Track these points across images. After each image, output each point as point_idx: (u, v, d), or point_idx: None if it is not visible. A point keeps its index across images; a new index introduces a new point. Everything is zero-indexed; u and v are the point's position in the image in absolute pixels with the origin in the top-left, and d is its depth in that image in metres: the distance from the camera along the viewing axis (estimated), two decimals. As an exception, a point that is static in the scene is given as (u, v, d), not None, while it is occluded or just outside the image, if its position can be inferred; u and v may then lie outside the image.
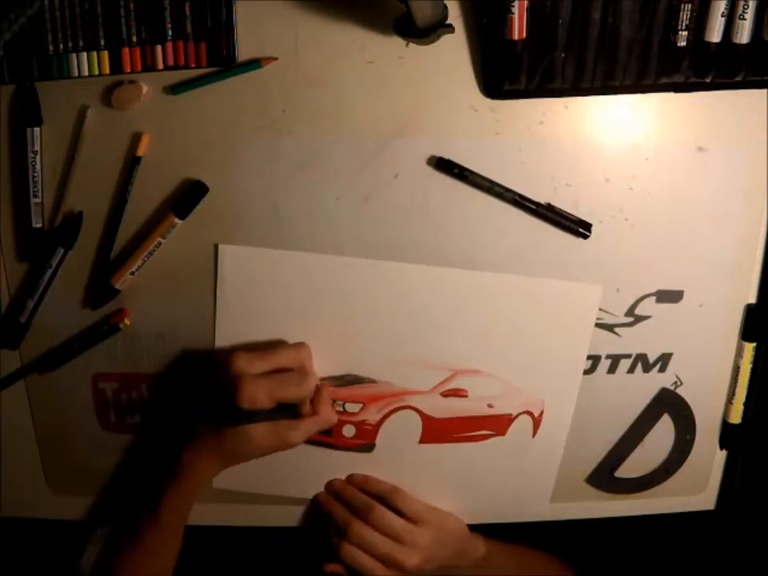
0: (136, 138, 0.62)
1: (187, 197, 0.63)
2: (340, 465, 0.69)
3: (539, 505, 0.71)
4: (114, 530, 0.68)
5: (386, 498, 0.67)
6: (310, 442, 0.67)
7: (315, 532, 0.70)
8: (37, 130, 0.61)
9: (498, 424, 0.68)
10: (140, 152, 0.62)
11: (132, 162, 0.62)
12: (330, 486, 0.70)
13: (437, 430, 0.68)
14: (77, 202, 0.64)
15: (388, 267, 0.64)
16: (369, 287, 0.65)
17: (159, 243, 0.63)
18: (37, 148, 0.62)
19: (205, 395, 0.66)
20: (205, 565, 0.72)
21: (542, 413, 0.68)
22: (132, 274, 0.64)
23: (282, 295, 0.65)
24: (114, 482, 0.71)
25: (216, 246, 0.64)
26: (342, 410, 0.67)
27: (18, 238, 0.65)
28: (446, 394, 0.67)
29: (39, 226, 0.64)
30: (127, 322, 0.66)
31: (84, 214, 0.64)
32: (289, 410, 0.64)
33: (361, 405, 0.67)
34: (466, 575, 0.69)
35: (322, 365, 0.66)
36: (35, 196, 0.63)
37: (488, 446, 0.69)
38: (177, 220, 0.62)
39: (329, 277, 0.65)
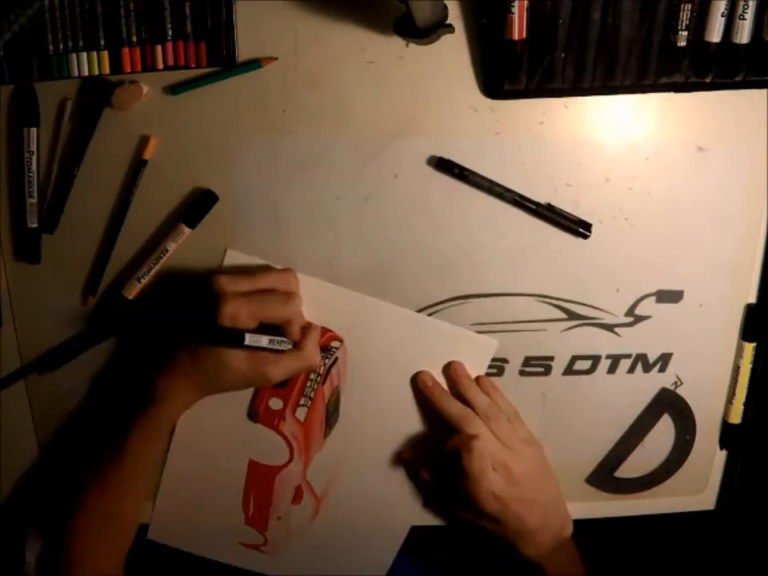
0: (136, 139, 0.62)
1: (197, 206, 0.63)
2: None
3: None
4: (80, 472, 0.64)
5: (509, 415, 0.66)
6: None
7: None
8: (34, 130, 0.61)
9: None
10: (147, 155, 0.62)
11: (133, 163, 0.62)
12: (447, 368, 0.66)
13: None
14: (77, 202, 0.64)
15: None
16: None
17: (166, 250, 0.63)
18: (33, 148, 0.62)
19: (184, 316, 0.63)
20: (206, 565, 0.73)
21: None
22: (139, 280, 0.64)
23: None
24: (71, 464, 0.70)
25: (225, 251, 0.64)
26: None
27: (14, 238, 0.65)
28: None
29: (35, 226, 0.64)
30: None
31: (86, 214, 0.64)
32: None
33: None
34: (539, 554, 0.66)
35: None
36: (30, 196, 0.63)
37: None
38: (186, 228, 0.62)
39: (317, 300, 0.64)
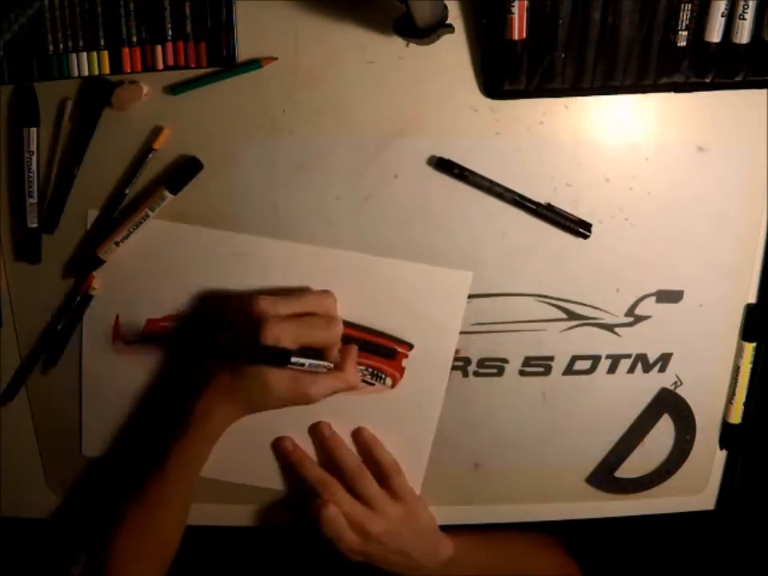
0: (136, 139, 0.62)
1: (181, 171, 0.62)
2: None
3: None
4: (118, 491, 0.65)
5: (385, 470, 0.67)
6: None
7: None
8: (34, 130, 0.61)
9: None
10: (157, 145, 0.61)
11: (133, 163, 0.62)
12: (318, 429, 0.67)
13: None
14: (77, 201, 0.64)
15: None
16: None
17: (147, 215, 0.62)
18: (33, 148, 0.61)
19: (221, 342, 0.63)
20: (205, 565, 0.73)
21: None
22: (116, 244, 0.63)
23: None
24: (113, 479, 0.71)
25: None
26: None
27: (14, 238, 0.65)
28: None
29: (35, 226, 0.64)
30: (95, 285, 0.65)
31: (85, 213, 0.64)
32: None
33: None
34: None
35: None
36: (30, 196, 0.63)
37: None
38: (168, 194, 0.62)
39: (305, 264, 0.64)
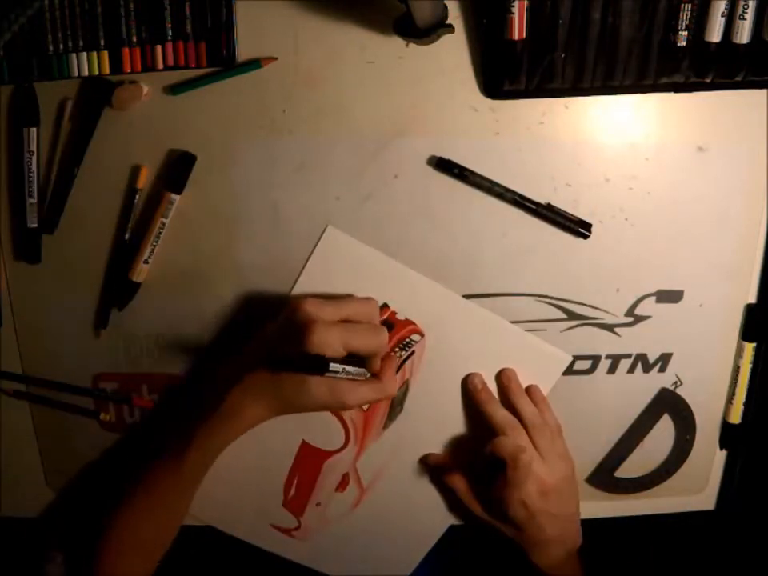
0: (136, 139, 0.62)
1: (177, 170, 0.62)
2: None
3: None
4: (123, 484, 0.64)
5: (552, 430, 0.67)
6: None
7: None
8: (34, 130, 0.61)
9: None
10: (140, 184, 0.62)
11: (134, 164, 0.62)
12: (508, 376, 0.67)
13: None
14: (77, 202, 0.64)
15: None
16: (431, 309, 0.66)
17: (163, 224, 0.63)
18: (33, 148, 0.62)
19: (264, 341, 0.62)
20: (202, 564, 0.73)
21: None
22: (146, 262, 0.64)
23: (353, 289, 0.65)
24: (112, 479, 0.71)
25: (325, 227, 0.64)
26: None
27: (14, 238, 0.65)
28: None
29: (35, 226, 0.64)
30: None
31: (86, 214, 0.64)
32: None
33: None
34: (549, 564, 0.66)
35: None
36: (30, 196, 0.63)
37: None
38: (174, 196, 0.62)
39: (406, 290, 0.65)
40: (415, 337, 0.66)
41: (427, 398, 0.67)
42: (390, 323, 0.65)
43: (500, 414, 0.66)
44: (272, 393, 0.60)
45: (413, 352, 0.66)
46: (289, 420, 0.63)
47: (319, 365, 0.56)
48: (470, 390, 0.66)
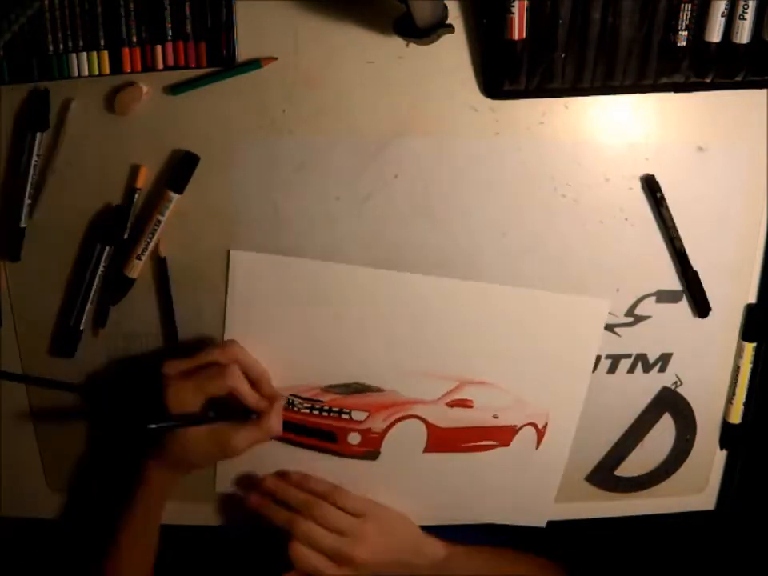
0: (135, 139, 0.62)
1: (180, 169, 0.62)
2: (344, 472, 0.68)
3: (540, 513, 0.71)
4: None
5: (327, 497, 0.66)
6: (315, 448, 0.67)
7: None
8: (41, 134, 0.61)
9: (503, 435, 0.68)
10: (139, 184, 0.63)
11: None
12: (261, 484, 0.67)
13: (442, 440, 0.68)
14: (77, 201, 0.64)
15: (397, 277, 0.64)
16: (378, 296, 0.65)
17: (159, 221, 0.63)
18: (40, 152, 0.61)
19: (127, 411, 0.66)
20: (195, 565, 0.73)
21: (546, 425, 0.68)
22: (139, 258, 0.64)
23: (289, 302, 0.65)
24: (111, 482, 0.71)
25: (228, 252, 0.64)
26: (348, 417, 0.67)
27: (8, 237, 0.65)
28: (452, 404, 0.67)
29: (26, 226, 0.64)
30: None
31: (86, 216, 0.64)
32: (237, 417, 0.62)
33: (367, 413, 0.67)
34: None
35: (330, 373, 0.66)
36: (29, 198, 0.63)
37: (492, 456, 0.69)
38: (173, 195, 0.62)
39: (337, 285, 0.64)
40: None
41: None
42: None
43: (281, 517, 0.65)
44: (165, 455, 0.63)
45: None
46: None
47: (140, 425, 0.59)
48: (255, 509, 0.67)
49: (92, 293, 0.65)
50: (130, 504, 0.64)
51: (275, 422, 0.63)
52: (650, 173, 0.63)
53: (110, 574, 0.64)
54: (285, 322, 0.65)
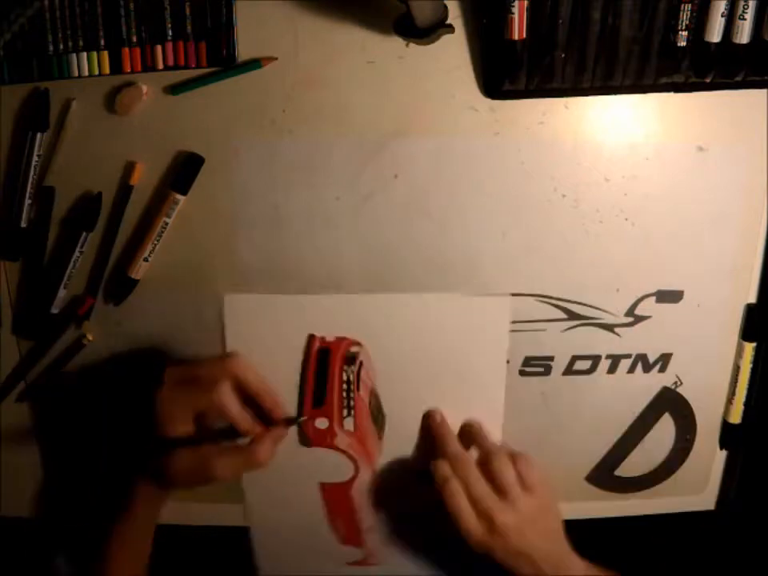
0: (135, 138, 0.62)
1: (185, 171, 0.62)
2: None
3: None
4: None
5: (510, 456, 0.62)
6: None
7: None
8: (41, 135, 0.61)
9: None
10: (133, 181, 0.62)
11: (131, 164, 0.62)
12: (431, 417, 0.66)
13: None
14: (76, 200, 0.64)
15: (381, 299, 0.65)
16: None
17: (166, 223, 0.63)
18: (40, 152, 0.61)
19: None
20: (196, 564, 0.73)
21: None
22: (146, 260, 0.64)
23: (286, 339, 0.65)
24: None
25: (222, 299, 0.64)
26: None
27: (8, 237, 0.64)
28: None
29: (26, 227, 0.63)
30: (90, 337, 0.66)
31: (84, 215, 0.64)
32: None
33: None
34: None
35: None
36: (29, 198, 0.62)
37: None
38: (179, 196, 0.62)
39: (327, 317, 0.65)
40: (354, 348, 0.66)
41: (399, 395, 0.67)
42: (325, 348, 0.66)
43: (451, 448, 0.64)
44: (147, 480, 0.61)
45: (360, 362, 0.66)
46: (296, 470, 0.67)
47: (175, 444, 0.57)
48: (430, 426, 0.66)
49: (65, 277, 0.64)
50: (113, 529, 0.61)
51: (265, 449, 0.59)
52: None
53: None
54: (280, 358, 0.65)
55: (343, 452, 0.68)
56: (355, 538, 0.72)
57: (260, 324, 0.65)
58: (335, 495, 0.70)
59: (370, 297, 0.65)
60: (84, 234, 0.63)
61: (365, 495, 0.70)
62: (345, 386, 0.66)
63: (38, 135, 0.61)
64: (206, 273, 0.65)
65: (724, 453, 0.71)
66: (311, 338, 0.65)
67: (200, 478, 0.59)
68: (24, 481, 0.71)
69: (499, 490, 0.61)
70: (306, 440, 0.68)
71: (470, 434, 0.66)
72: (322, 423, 0.67)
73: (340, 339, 0.66)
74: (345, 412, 0.67)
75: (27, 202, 0.63)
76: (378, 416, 0.68)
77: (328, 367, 0.66)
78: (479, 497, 0.60)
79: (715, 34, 0.58)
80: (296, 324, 0.65)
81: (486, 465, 0.61)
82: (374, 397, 0.67)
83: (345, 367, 0.66)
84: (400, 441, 0.68)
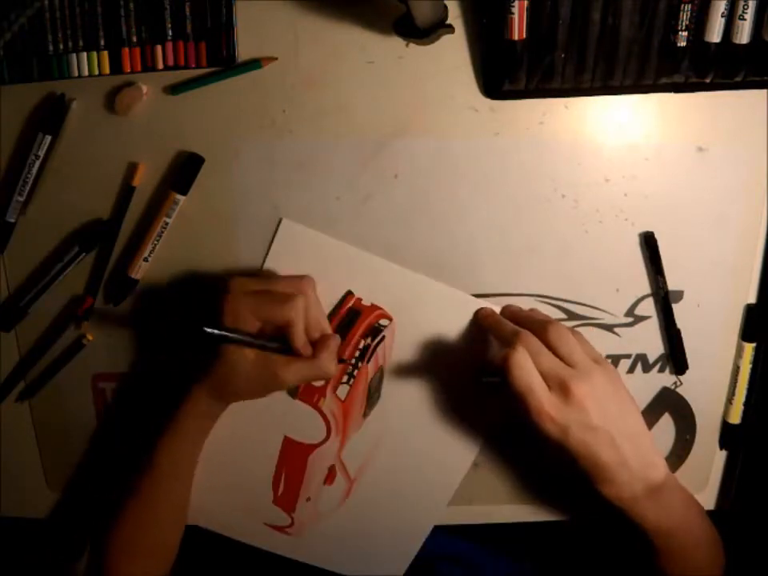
0: (135, 138, 0.62)
1: (185, 171, 0.62)
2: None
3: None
4: (116, 487, 0.65)
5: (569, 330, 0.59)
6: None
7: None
8: (48, 137, 0.61)
9: None
10: (135, 182, 0.62)
11: (131, 163, 0.62)
12: (505, 310, 0.63)
13: None
14: (77, 202, 0.64)
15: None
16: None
17: (166, 224, 0.63)
18: (41, 153, 0.61)
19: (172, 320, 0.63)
20: (206, 564, 0.73)
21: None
22: (146, 260, 0.64)
23: (323, 283, 0.64)
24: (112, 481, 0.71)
25: (280, 220, 0.64)
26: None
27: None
28: None
29: (12, 221, 0.63)
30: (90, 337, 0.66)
31: (85, 214, 0.64)
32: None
33: None
34: (621, 496, 0.57)
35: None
36: (20, 195, 0.62)
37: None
38: (179, 197, 0.62)
39: (369, 276, 0.64)
40: (383, 321, 0.65)
41: (403, 382, 0.67)
42: (357, 310, 0.65)
43: (507, 329, 0.59)
44: (209, 380, 0.60)
45: (383, 337, 0.66)
46: (269, 416, 0.65)
47: (193, 330, 0.55)
48: (480, 321, 0.63)
49: (53, 283, 0.65)
50: (163, 437, 0.62)
51: (330, 362, 0.60)
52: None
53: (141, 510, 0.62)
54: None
55: (323, 415, 0.68)
56: (289, 502, 0.70)
57: (304, 259, 0.64)
58: (293, 453, 0.69)
59: (419, 276, 0.64)
60: (82, 254, 0.64)
61: (321, 465, 0.69)
62: (357, 353, 0.66)
63: (47, 138, 0.61)
64: (205, 273, 0.65)
65: (724, 453, 0.71)
66: (348, 294, 0.65)
67: (264, 383, 0.60)
68: (24, 481, 0.71)
69: (567, 361, 0.57)
70: (293, 390, 0.67)
71: (517, 315, 0.63)
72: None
73: (374, 307, 0.65)
74: (345, 378, 0.67)
75: (17, 198, 0.62)
76: (373, 394, 0.67)
77: (350, 329, 0.65)
78: (550, 367, 0.55)
79: (715, 34, 0.58)
80: (338, 272, 0.64)
81: (545, 336, 0.57)
82: (379, 374, 0.67)
83: (366, 336, 0.66)
84: (384, 426, 0.68)
